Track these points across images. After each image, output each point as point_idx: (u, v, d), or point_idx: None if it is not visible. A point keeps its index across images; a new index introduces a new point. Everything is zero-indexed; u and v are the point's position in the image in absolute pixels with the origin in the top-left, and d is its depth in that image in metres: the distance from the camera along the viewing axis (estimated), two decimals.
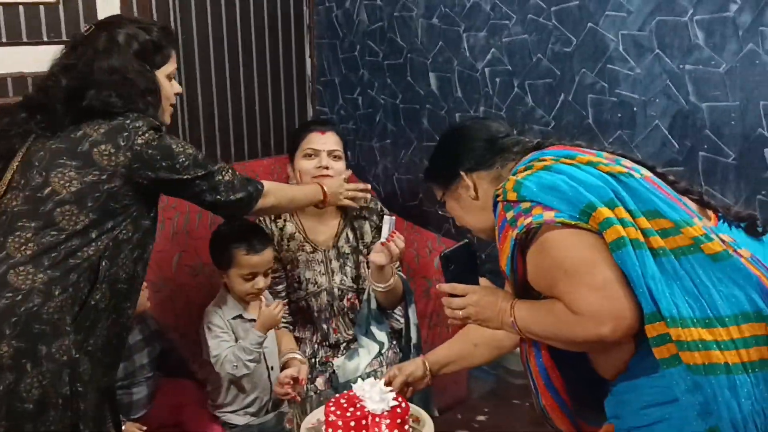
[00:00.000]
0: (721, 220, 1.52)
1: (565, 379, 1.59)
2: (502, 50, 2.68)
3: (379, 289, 2.44)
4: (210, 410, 2.37)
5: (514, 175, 1.56)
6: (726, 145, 2.19)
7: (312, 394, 2.38)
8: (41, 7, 2.61)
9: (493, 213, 1.58)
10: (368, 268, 2.51)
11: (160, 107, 1.90)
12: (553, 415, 1.63)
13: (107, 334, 1.78)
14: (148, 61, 1.87)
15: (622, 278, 1.38)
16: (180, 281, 2.71)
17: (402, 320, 2.60)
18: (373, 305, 2.51)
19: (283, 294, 2.53)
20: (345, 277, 2.55)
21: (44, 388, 1.66)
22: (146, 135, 1.77)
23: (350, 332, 2.56)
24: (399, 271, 2.53)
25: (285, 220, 2.57)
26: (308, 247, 2.55)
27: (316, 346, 2.55)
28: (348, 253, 2.58)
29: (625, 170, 1.49)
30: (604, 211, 1.39)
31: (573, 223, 1.41)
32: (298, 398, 2.22)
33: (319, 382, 2.44)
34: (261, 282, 2.32)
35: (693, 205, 1.52)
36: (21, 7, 2.58)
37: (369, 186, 2.53)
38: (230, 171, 1.94)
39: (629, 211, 1.41)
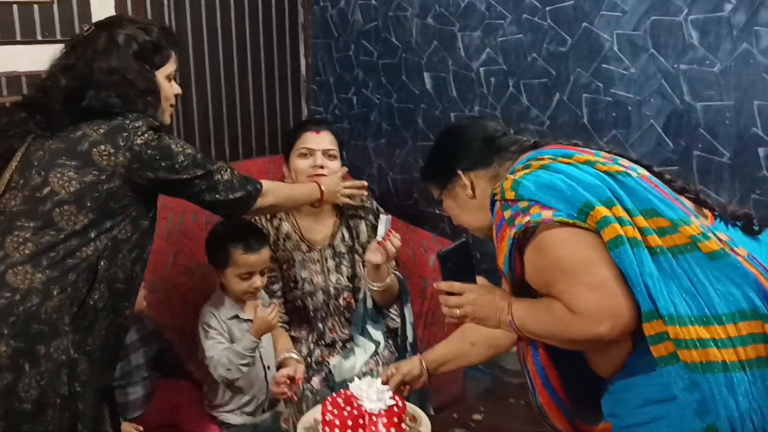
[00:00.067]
0: (718, 219, 1.53)
1: (562, 377, 1.59)
2: (497, 50, 2.68)
3: (375, 289, 2.44)
4: (207, 410, 2.37)
5: (511, 174, 1.56)
6: (720, 145, 2.20)
7: (308, 393, 2.38)
8: (35, 7, 2.60)
9: (490, 212, 1.59)
10: (364, 267, 2.51)
11: (159, 108, 1.89)
12: (551, 414, 1.64)
13: (105, 334, 1.78)
14: (148, 62, 1.86)
15: (620, 277, 1.38)
16: (175, 281, 2.70)
17: (398, 319, 2.60)
18: (369, 304, 2.51)
19: (279, 293, 2.53)
20: (341, 277, 2.56)
21: (42, 388, 1.65)
22: (145, 135, 1.77)
23: (346, 331, 2.56)
24: (395, 270, 2.53)
25: (281, 220, 2.57)
26: (304, 247, 2.55)
27: (312, 345, 2.55)
28: (344, 253, 2.58)
29: (623, 169, 1.50)
30: (602, 210, 1.40)
31: (571, 221, 1.42)
32: (295, 398, 2.22)
33: (315, 381, 2.44)
34: (258, 281, 2.32)
35: (690, 204, 1.53)
36: (15, 6, 2.57)
37: (365, 183, 2.53)
38: (229, 170, 1.94)
39: (627, 210, 1.42)
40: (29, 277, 1.67)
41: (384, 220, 2.39)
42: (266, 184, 2.03)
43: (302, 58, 3.39)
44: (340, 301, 2.55)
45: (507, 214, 1.50)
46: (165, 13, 2.90)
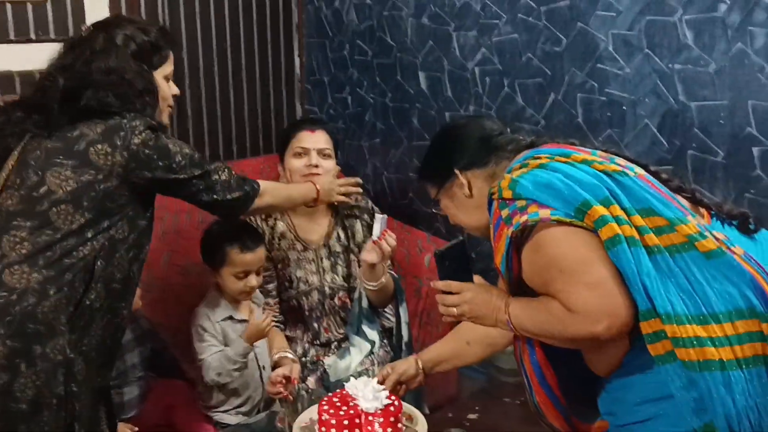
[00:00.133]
0: (714, 218, 1.54)
1: (558, 376, 1.60)
2: (492, 50, 2.68)
3: (371, 288, 2.44)
4: (202, 410, 2.36)
5: (509, 173, 1.56)
6: (715, 144, 2.21)
7: (303, 393, 2.37)
8: (29, 6, 2.60)
9: (487, 211, 1.59)
10: (359, 266, 2.51)
11: (157, 108, 1.89)
12: (547, 412, 1.64)
13: (102, 334, 1.77)
14: (146, 62, 1.86)
15: (617, 276, 1.39)
16: (170, 281, 2.70)
17: (393, 319, 2.60)
18: (365, 304, 2.50)
19: (274, 293, 2.53)
20: (336, 276, 2.56)
21: (38, 388, 1.65)
22: (143, 135, 1.76)
23: (341, 331, 2.56)
24: (390, 269, 2.53)
25: (276, 219, 2.57)
26: (299, 246, 2.55)
27: (306, 345, 2.55)
28: (339, 252, 2.58)
29: (620, 168, 1.50)
30: (600, 209, 1.41)
31: (568, 221, 1.42)
32: (290, 397, 2.21)
33: (311, 381, 2.44)
34: (253, 280, 2.32)
35: (686, 203, 1.54)
36: (8, 6, 2.56)
37: (359, 180, 2.53)
38: (227, 170, 1.93)
39: (624, 209, 1.42)
40: (26, 276, 1.67)
41: (379, 220, 2.39)
42: (263, 184, 2.03)
43: (296, 57, 3.39)
44: (336, 300, 2.55)
45: (504, 213, 1.50)
46: (159, 12, 2.90)
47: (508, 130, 1.78)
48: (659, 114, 2.31)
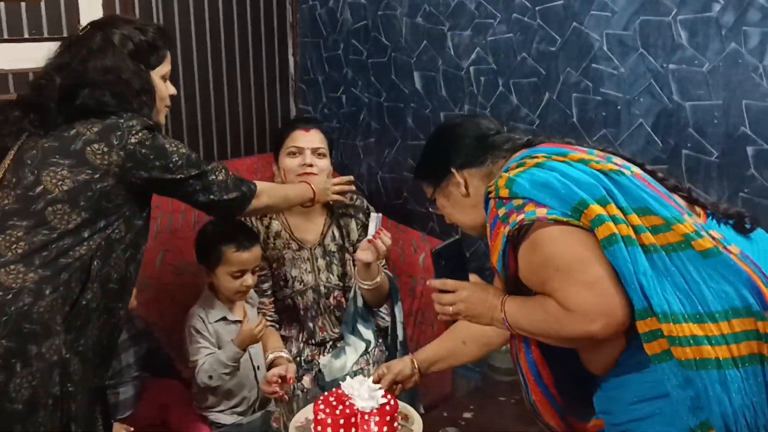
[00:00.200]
0: (710, 217, 1.54)
1: (554, 374, 1.60)
2: (486, 49, 2.69)
3: (366, 287, 2.44)
4: (196, 410, 2.36)
5: (506, 172, 1.56)
6: (709, 144, 2.22)
7: (299, 392, 2.38)
8: (23, 5, 2.59)
9: (484, 210, 1.59)
10: (355, 265, 2.51)
11: (154, 108, 1.89)
12: (543, 411, 1.64)
13: (98, 334, 1.77)
14: (143, 62, 1.86)
15: (614, 275, 1.39)
16: (164, 280, 2.69)
17: (388, 318, 2.60)
18: (360, 303, 2.51)
19: (269, 292, 2.53)
20: (331, 275, 2.55)
21: (34, 388, 1.64)
22: (140, 134, 1.76)
23: (336, 330, 2.56)
24: (385, 268, 2.53)
25: (271, 218, 2.57)
26: (294, 245, 2.55)
27: (301, 344, 2.55)
28: (334, 251, 2.58)
29: (617, 168, 1.50)
30: (596, 209, 1.41)
31: (565, 220, 1.42)
32: (286, 397, 2.21)
33: (306, 380, 2.44)
34: (249, 279, 2.32)
35: (682, 202, 1.54)
36: (2, 5, 2.55)
37: (352, 177, 2.53)
38: (224, 171, 1.93)
39: (621, 209, 1.43)
40: (21, 276, 1.66)
41: (374, 219, 2.39)
42: (260, 185, 2.03)
43: (290, 57, 3.39)
44: (331, 299, 2.55)
45: (501, 211, 1.50)
46: (153, 11, 2.89)
47: (505, 129, 1.78)
48: (654, 114, 2.31)
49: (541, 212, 1.44)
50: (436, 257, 1.67)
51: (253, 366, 2.39)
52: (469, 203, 1.72)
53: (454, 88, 2.82)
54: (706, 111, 2.21)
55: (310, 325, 2.55)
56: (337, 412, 1.78)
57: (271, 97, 3.35)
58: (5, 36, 2.57)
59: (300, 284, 2.53)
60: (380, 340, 2.58)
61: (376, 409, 1.78)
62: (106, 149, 1.73)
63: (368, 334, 2.52)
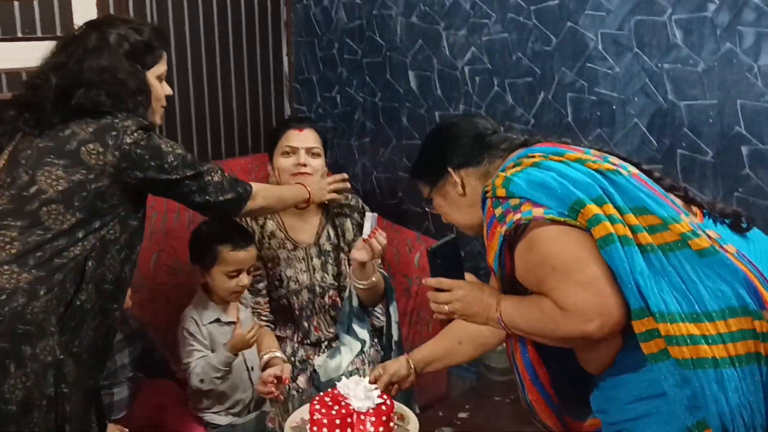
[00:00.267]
0: (707, 217, 1.55)
1: (550, 374, 1.60)
2: (482, 49, 2.69)
3: (361, 287, 2.43)
4: (192, 411, 2.35)
5: (503, 171, 1.56)
6: (704, 143, 2.22)
7: (294, 393, 2.37)
8: (16, 4, 2.57)
9: (481, 209, 1.59)
10: (350, 265, 2.51)
11: (150, 108, 1.88)
12: (539, 410, 1.64)
13: (93, 335, 1.76)
14: (139, 62, 1.85)
15: (610, 275, 1.39)
16: (158, 280, 2.69)
17: (383, 318, 2.60)
18: (355, 303, 2.50)
19: (264, 292, 2.52)
20: (326, 275, 2.55)
21: (28, 389, 1.63)
22: (135, 134, 1.75)
23: (331, 330, 2.55)
24: (380, 268, 2.53)
25: (266, 218, 2.55)
26: (289, 245, 2.54)
27: (296, 344, 2.54)
28: (329, 251, 2.57)
29: (613, 167, 1.51)
30: (593, 208, 1.41)
31: (562, 219, 1.42)
32: (281, 397, 2.21)
33: (301, 380, 2.43)
34: (245, 279, 2.31)
35: (679, 202, 1.54)
36: None
37: (345, 175, 2.52)
38: (219, 172, 1.93)
39: (617, 208, 1.43)
40: (15, 276, 1.65)
41: (369, 218, 2.38)
42: (256, 186, 2.02)
43: (285, 56, 3.38)
44: (326, 299, 2.54)
45: (498, 211, 1.50)
46: (147, 10, 2.88)
47: (501, 129, 1.78)
48: (648, 113, 2.32)
49: (538, 212, 1.44)
50: (431, 256, 1.66)
51: (247, 367, 2.39)
52: (465, 203, 1.72)
53: (449, 87, 2.82)
54: (700, 111, 2.21)
55: (305, 325, 2.54)
56: (333, 412, 1.77)
57: (265, 97, 3.34)
58: None
59: (295, 284, 2.52)
60: (375, 340, 2.58)
61: (372, 409, 1.78)
62: (101, 149, 1.73)
63: (363, 333, 2.52)
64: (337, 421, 1.76)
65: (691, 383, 1.35)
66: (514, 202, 1.48)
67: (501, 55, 2.64)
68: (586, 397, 1.60)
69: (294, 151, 2.54)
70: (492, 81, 2.68)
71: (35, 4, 2.60)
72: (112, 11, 2.73)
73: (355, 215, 2.63)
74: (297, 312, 2.53)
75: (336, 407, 1.79)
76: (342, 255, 2.58)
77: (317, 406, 1.79)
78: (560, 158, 1.53)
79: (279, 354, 2.39)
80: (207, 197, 1.89)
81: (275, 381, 2.20)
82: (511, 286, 1.56)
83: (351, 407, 1.78)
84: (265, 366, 2.34)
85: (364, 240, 2.35)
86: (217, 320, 2.35)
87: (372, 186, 3.19)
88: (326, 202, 2.49)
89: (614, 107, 2.39)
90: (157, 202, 2.54)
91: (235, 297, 2.35)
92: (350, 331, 2.51)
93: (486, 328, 1.69)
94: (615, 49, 2.35)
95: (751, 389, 1.35)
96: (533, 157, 1.56)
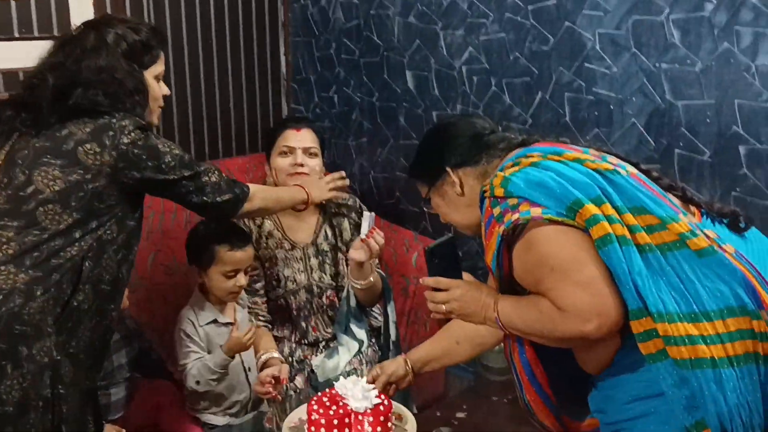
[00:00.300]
0: (705, 216, 1.54)
1: (548, 374, 1.60)
2: (479, 48, 2.69)
3: (359, 287, 2.43)
4: (189, 411, 2.34)
5: (501, 171, 1.56)
6: (701, 143, 2.22)
7: (292, 393, 2.37)
8: (12, 4, 2.56)
9: (479, 209, 1.59)
10: (347, 265, 2.51)
11: (147, 107, 1.87)
12: (537, 410, 1.64)
13: (90, 336, 1.75)
14: (137, 61, 1.84)
15: (608, 276, 1.39)
16: (155, 280, 2.68)
17: (380, 318, 2.59)
18: (353, 302, 2.50)
19: (262, 292, 2.52)
20: (324, 275, 2.55)
21: (25, 390, 1.63)
22: (132, 134, 1.75)
23: (329, 330, 2.55)
24: (378, 268, 2.53)
25: (263, 218, 2.55)
26: (287, 245, 2.54)
27: (294, 344, 2.54)
28: (327, 251, 2.57)
29: (612, 167, 1.51)
30: (591, 208, 1.41)
31: (560, 219, 1.42)
32: (279, 397, 2.21)
33: (299, 381, 2.43)
34: (242, 279, 2.31)
35: (677, 202, 1.54)
36: None
37: (343, 173, 2.51)
38: (217, 172, 1.93)
39: (616, 208, 1.43)
40: (12, 277, 1.65)
41: (367, 218, 2.38)
42: (253, 187, 2.02)
43: (282, 56, 3.37)
44: (324, 299, 2.54)
45: (496, 211, 1.50)
46: (144, 10, 2.87)
47: (499, 128, 1.78)
48: (646, 113, 2.32)
49: (536, 212, 1.44)
50: (429, 255, 1.66)
51: (245, 368, 2.38)
52: (464, 202, 1.71)
53: (446, 87, 2.82)
54: (698, 110, 2.21)
55: (303, 325, 2.54)
56: (331, 412, 1.77)
57: (262, 97, 3.34)
58: None
59: (293, 284, 2.52)
60: (373, 340, 2.58)
61: (370, 409, 1.78)
62: (98, 149, 1.72)
63: (361, 333, 2.51)
64: (335, 422, 1.76)
65: (690, 383, 1.35)
66: (512, 201, 1.48)
67: (498, 54, 2.64)
68: (584, 397, 1.59)
69: (291, 151, 2.53)
70: (489, 81, 2.68)
71: (32, 3, 2.60)
72: (109, 11, 2.72)
73: (353, 215, 2.63)
74: (294, 312, 2.53)
75: (334, 407, 1.79)
76: (339, 255, 2.58)
77: (315, 407, 1.79)
78: (559, 158, 1.53)
79: (276, 354, 2.39)
80: (204, 198, 1.89)
81: (273, 381, 2.20)
82: (509, 286, 1.56)
83: (349, 407, 1.78)
84: (263, 366, 2.33)
85: (361, 240, 2.35)
86: (214, 321, 2.35)
87: (369, 186, 3.19)
88: (324, 202, 2.49)
89: (612, 107, 2.39)
90: (154, 202, 2.53)
91: (232, 297, 2.35)
92: (348, 331, 2.51)
93: (484, 328, 1.69)
94: (612, 48, 2.35)
95: (749, 389, 1.35)
96: (531, 156, 1.56)
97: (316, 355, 2.52)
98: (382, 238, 2.38)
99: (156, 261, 2.69)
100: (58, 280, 1.68)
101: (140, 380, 2.38)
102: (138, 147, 1.76)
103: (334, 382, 1.88)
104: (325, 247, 2.57)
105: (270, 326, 2.52)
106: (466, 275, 1.71)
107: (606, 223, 1.39)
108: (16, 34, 2.58)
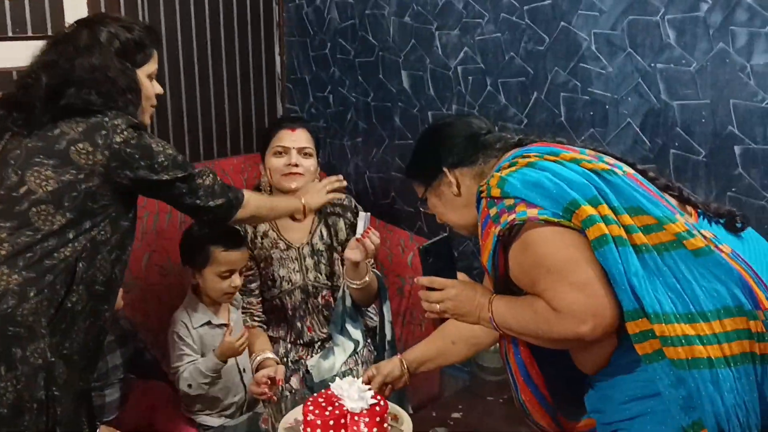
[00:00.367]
0: (702, 216, 1.54)
1: (544, 374, 1.60)
2: (474, 48, 2.68)
3: (354, 286, 2.43)
4: (184, 412, 2.34)
5: (497, 171, 1.56)
6: (697, 143, 2.23)
7: (287, 393, 2.36)
8: (6, 3, 2.56)
9: (476, 209, 1.58)
10: (343, 265, 2.50)
11: (140, 106, 1.86)
12: (533, 411, 1.64)
13: (84, 337, 1.74)
14: (130, 60, 1.83)
15: (603, 277, 1.39)
16: (150, 281, 2.68)
17: (376, 318, 2.59)
18: (348, 302, 2.49)
19: (257, 292, 2.51)
20: (319, 275, 2.54)
21: (19, 391, 1.62)
22: (125, 133, 1.74)
23: (324, 330, 2.55)
24: (373, 268, 2.52)
25: None
26: (282, 245, 2.53)
27: (289, 345, 2.54)
28: (322, 251, 2.56)
29: (608, 167, 1.50)
30: (587, 209, 1.40)
31: (556, 220, 1.42)
32: (274, 398, 2.20)
33: (294, 381, 2.42)
34: (237, 280, 2.31)
35: (674, 202, 1.54)
36: None
37: (340, 176, 2.50)
38: (211, 176, 1.91)
39: (612, 208, 1.42)
40: (5, 278, 1.63)
41: (363, 218, 2.38)
42: (248, 195, 2.00)
43: (277, 56, 3.37)
44: (319, 299, 2.54)
45: (493, 211, 1.49)
46: (139, 9, 2.87)
47: (496, 128, 1.78)
48: (641, 113, 2.32)
49: (533, 212, 1.43)
50: (423, 254, 1.66)
51: (239, 370, 2.38)
52: (460, 203, 1.71)
53: (441, 87, 2.82)
54: (693, 110, 2.21)
55: (298, 325, 2.53)
56: (327, 413, 1.77)
57: (257, 97, 3.33)
58: None
59: (288, 284, 2.51)
60: (369, 340, 2.57)
61: (366, 409, 1.77)
62: (90, 149, 1.71)
63: (357, 333, 2.51)
64: (331, 422, 1.75)
65: (687, 383, 1.34)
66: (508, 202, 1.47)
67: (494, 54, 2.64)
68: (581, 397, 1.59)
69: (286, 151, 2.53)
70: (485, 81, 2.68)
71: (26, 3, 2.59)
72: (103, 11, 2.71)
73: (348, 215, 2.63)
74: (290, 312, 2.52)
75: (329, 408, 1.78)
76: (335, 255, 2.58)
77: (311, 407, 1.78)
78: (555, 158, 1.52)
79: (271, 355, 2.39)
80: (197, 201, 1.88)
81: (269, 382, 2.19)
82: (505, 287, 1.55)
83: (344, 408, 1.77)
84: (258, 367, 2.33)
85: (357, 239, 2.35)
86: (208, 323, 2.34)
87: (365, 186, 3.18)
88: (321, 208, 2.47)
89: (607, 107, 2.39)
90: (148, 203, 2.53)
91: (227, 298, 2.34)
92: (343, 332, 2.50)
93: (479, 328, 1.68)
94: (608, 49, 2.35)
95: (746, 389, 1.35)
96: (528, 157, 1.55)
97: (312, 356, 2.51)
98: (377, 238, 2.37)
99: (151, 261, 2.69)
100: (51, 281, 1.67)
101: (135, 381, 2.37)
102: (131, 146, 1.74)
103: (329, 383, 1.88)
104: (321, 247, 2.57)
105: (265, 326, 2.52)
106: (460, 275, 1.71)
107: (602, 224, 1.39)
108: (10, 34, 2.57)
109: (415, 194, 1.85)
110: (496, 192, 1.50)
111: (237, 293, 2.40)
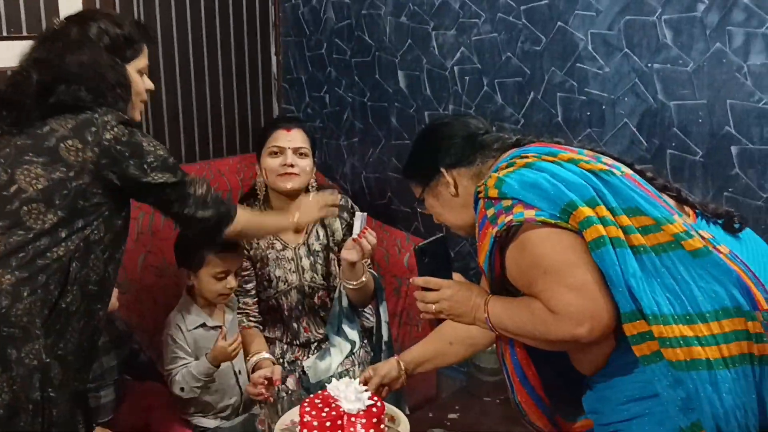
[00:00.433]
0: (700, 217, 1.54)
1: (542, 375, 1.59)
2: (471, 48, 2.68)
3: (351, 287, 2.42)
4: (179, 413, 2.33)
5: (495, 172, 1.55)
6: (693, 143, 2.23)
7: (283, 394, 2.36)
8: (1, 3, 2.55)
9: (473, 210, 1.58)
10: (339, 265, 2.50)
11: (130, 102, 1.84)
12: (529, 412, 1.64)
13: (79, 337, 1.73)
14: (119, 55, 1.81)
15: (601, 279, 1.38)
16: (145, 282, 2.67)
17: (372, 319, 2.59)
18: (345, 303, 2.49)
19: (253, 292, 2.51)
20: (316, 275, 2.53)
21: (14, 393, 1.61)
22: (115, 130, 1.71)
23: (321, 331, 2.54)
24: (370, 268, 2.52)
25: None
26: (278, 245, 2.53)
27: (285, 345, 2.53)
28: (318, 251, 2.56)
29: (606, 167, 1.50)
30: (585, 210, 1.40)
31: (553, 222, 1.42)
32: (271, 399, 2.20)
33: (290, 382, 2.41)
34: (232, 281, 2.30)
35: (672, 202, 1.54)
36: None
37: (335, 192, 2.49)
38: (205, 185, 1.88)
39: (610, 209, 1.42)
40: None
41: (359, 218, 2.37)
42: (240, 212, 1.97)
43: (273, 55, 3.36)
44: (315, 299, 2.53)
45: (490, 212, 1.49)
46: (134, 8, 2.86)
47: (493, 128, 1.77)
48: (638, 113, 2.32)
49: (530, 214, 1.43)
50: (419, 254, 1.65)
51: (235, 372, 2.37)
52: (458, 203, 1.71)
53: (438, 87, 2.81)
54: (690, 110, 2.22)
55: (295, 325, 2.53)
56: (324, 414, 1.76)
57: (253, 97, 3.33)
58: None
59: (284, 284, 2.51)
60: (365, 341, 2.57)
61: (363, 410, 1.77)
62: (80, 146, 1.69)
63: (353, 334, 2.50)
64: (328, 423, 1.75)
65: (685, 385, 1.34)
66: (506, 203, 1.47)
67: (490, 54, 2.64)
68: (578, 397, 1.59)
69: (281, 151, 2.52)
70: (481, 81, 2.68)
71: (21, 3, 2.58)
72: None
73: (345, 215, 2.62)
74: (286, 313, 2.52)
75: (326, 409, 1.78)
76: (331, 255, 2.57)
77: (307, 408, 1.78)
78: (553, 159, 1.52)
79: (268, 356, 2.38)
80: (186, 209, 1.84)
81: (265, 383, 2.19)
82: (502, 288, 1.55)
83: (341, 409, 1.77)
84: (255, 368, 2.32)
85: (353, 240, 2.34)
86: (203, 325, 2.33)
87: (361, 186, 3.18)
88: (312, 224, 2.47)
89: (604, 107, 2.39)
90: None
91: (222, 299, 2.34)
92: (340, 332, 2.50)
93: (476, 329, 1.68)
94: (605, 49, 2.35)
95: (744, 390, 1.35)
96: (526, 157, 1.55)
97: (308, 357, 2.51)
98: (374, 238, 2.37)
99: (146, 262, 2.68)
100: (45, 281, 1.65)
101: (130, 382, 2.36)
102: (121, 143, 1.72)
103: (326, 384, 1.87)
104: (317, 247, 2.56)
105: (261, 327, 2.51)
106: (456, 275, 1.71)
107: (599, 226, 1.39)
108: (5, 34, 2.56)
109: (412, 194, 1.85)
110: (493, 193, 1.49)
111: (232, 295, 2.40)
